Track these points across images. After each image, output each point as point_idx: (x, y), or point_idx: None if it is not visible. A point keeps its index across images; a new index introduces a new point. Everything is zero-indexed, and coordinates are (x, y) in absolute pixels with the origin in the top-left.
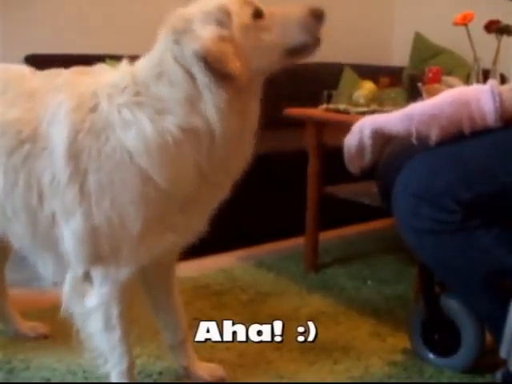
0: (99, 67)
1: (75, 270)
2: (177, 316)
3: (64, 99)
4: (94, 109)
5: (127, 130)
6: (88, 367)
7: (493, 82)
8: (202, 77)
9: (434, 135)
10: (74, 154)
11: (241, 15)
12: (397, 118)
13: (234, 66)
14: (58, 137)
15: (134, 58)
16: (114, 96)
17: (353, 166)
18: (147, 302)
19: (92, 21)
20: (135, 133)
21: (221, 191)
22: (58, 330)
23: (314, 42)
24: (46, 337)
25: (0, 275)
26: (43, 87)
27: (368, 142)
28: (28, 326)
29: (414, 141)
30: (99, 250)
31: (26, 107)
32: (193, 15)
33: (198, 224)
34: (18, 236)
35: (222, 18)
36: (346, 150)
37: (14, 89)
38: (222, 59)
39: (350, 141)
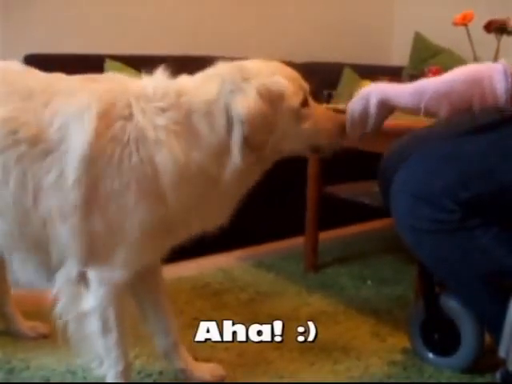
0: (109, 75)
1: (69, 270)
2: (167, 319)
3: (87, 104)
4: (127, 118)
5: (160, 147)
6: (88, 367)
7: (504, 61)
8: (238, 134)
9: (443, 111)
10: (90, 158)
11: (292, 99)
12: (407, 92)
13: (262, 141)
14: (77, 140)
15: (133, 58)
16: (154, 115)
17: (354, 132)
18: (136, 309)
19: (92, 21)
20: (167, 153)
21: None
22: (58, 330)
23: (332, 146)
24: (45, 337)
25: (2, 275)
26: (44, 89)
27: (373, 110)
28: (28, 326)
29: (422, 115)
30: (94, 250)
31: (20, 107)
32: (251, 78)
33: (199, 228)
34: (1, 233)
35: (275, 100)
36: (349, 114)
37: (4, 86)
38: (255, 131)
39: (355, 105)
